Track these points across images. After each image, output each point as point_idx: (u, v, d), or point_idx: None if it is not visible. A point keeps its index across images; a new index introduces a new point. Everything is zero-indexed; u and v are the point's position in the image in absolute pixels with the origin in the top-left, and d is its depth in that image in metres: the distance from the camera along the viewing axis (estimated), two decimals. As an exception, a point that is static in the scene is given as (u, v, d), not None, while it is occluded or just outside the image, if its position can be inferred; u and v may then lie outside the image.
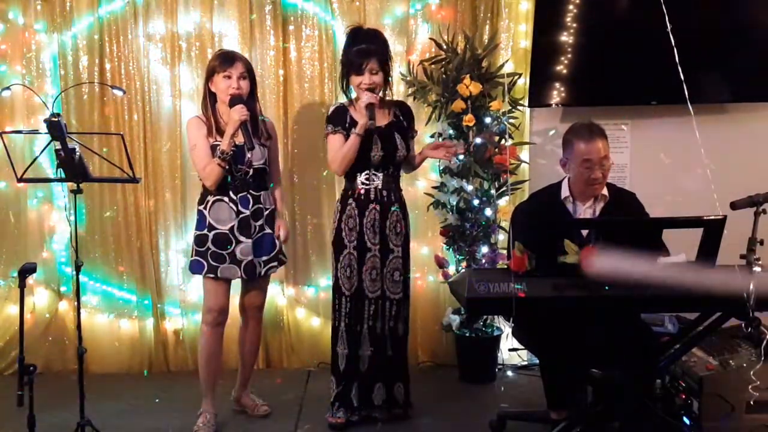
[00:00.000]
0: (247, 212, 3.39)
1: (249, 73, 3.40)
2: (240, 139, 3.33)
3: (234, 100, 3.30)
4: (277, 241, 3.51)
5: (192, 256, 3.44)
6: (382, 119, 3.46)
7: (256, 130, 3.42)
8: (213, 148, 3.32)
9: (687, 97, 2.76)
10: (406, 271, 3.54)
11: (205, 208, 3.41)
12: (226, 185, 3.37)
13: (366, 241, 3.44)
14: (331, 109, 3.51)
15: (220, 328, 3.49)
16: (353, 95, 3.46)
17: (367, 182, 3.44)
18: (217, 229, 3.38)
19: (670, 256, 2.79)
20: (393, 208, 3.46)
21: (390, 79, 3.47)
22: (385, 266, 3.46)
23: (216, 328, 3.47)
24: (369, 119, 3.31)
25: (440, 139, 4.07)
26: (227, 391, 3.70)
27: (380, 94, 3.44)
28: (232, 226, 3.37)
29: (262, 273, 3.47)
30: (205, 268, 3.39)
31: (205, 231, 3.39)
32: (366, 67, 3.34)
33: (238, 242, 3.38)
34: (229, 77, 3.33)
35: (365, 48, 3.36)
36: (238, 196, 3.38)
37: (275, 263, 3.53)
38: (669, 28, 2.68)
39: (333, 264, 3.50)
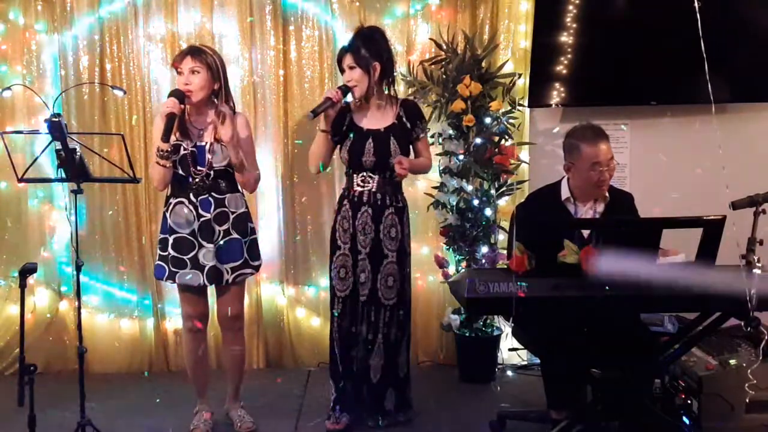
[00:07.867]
0: (209, 216, 3.23)
1: (209, 69, 3.19)
2: (204, 140, 3.23)
3: (170, 93, 3.16)
4: (243, 246, 3.29)
5: (156, 260, 3.35)
6: (381, 121, 3.38)
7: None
8: (176, 146, 3.19)
9: (710, 93, 2.77)
10: (403, 278, 3.42)
11: (167, 210, 3.28)
12: (187, 187, 3.24)
13: (357, 243, 3.37)
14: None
15: (202, 332, 3.41)
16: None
17: (363, 184, 3.38)
18: (178, 232, 3.24)
19: (670, 256, 2.80)
20: (387, 212, 3.37)
21: (371, 72, 3.28)
22: (379, 271, 3.37)
23: (197, 333, 3.38)
24: (312, 111, 3.22)
25: (440, 140, 4.09)
26: (224, 389, 3.67)
27: (365, 90, 3.32)
28: (194, 230, 3.23)
29: (231, 280, 3.28)
30: (166, 273, 3.27)
31: (167, 235, 3.26)
32: (344, 65, 3.34)
33: (201, 247, 3.22)
34: (181, 73, 3.20)
35: (342, 47, 3.40)
36: (199, 198, 3.23)
37: (248, 270, 3.35)
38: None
39: (329, 264, 3.47)
